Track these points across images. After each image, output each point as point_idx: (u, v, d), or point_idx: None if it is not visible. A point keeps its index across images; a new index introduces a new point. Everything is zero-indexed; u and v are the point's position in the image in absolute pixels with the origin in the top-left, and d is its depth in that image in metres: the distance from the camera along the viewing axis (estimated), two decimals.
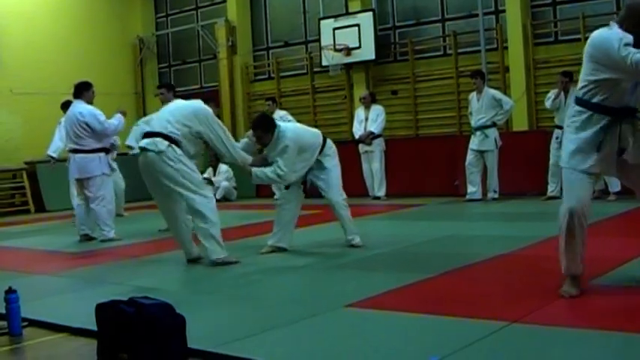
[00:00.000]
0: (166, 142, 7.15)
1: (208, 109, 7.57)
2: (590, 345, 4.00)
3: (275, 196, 7.86)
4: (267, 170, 7.56)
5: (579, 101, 5.04)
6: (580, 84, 5.03)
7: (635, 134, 4.98)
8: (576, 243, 4.96)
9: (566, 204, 4.97)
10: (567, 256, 5.00)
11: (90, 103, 10.14)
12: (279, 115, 15.00)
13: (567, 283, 5.01)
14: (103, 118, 10.05)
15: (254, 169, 7.59)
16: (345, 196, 8.31)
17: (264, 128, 7.67)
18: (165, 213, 7.71)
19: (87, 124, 9.94)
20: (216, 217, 7.26)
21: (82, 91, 10.16)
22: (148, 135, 7.39)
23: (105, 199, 10.01)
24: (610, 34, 4.86)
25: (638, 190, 5.27)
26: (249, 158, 7.74)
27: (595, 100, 4.92)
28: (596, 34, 4.99)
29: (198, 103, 7.62)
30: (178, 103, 7.74)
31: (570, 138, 5.10)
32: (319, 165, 8.04)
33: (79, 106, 10.01)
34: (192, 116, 7.35)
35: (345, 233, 8.15)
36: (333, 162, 8.14)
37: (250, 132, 8.05)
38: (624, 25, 4.84)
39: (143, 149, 7.26)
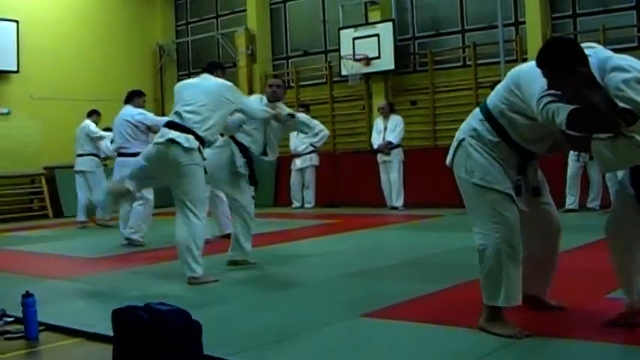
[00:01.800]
0: (197, 143, 6.84)
1: (228, 83, 7.54)
2: (603, 359, 3.98)
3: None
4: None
5: None
6: None
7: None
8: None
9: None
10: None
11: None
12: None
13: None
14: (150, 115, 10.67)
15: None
16: None
17: (285, 84, 8.28)
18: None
19: (137, 122, 10.33)
20: (202, 242, 6.94)
21: (134, 97, 10.71)
22: (177, 127, 6.92)
23: (148, 202, 10.22)
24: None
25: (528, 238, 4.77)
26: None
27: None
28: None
29: (219, 84, 7.43)
30: (205, 86, 7.40)
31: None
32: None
33: (128, 110, 10.47)
34: (225, 97, 7.25)
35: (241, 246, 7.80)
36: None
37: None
38: None
39: (172, 141, 6.81)
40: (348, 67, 15.99)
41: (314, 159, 15.27)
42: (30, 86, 16.83)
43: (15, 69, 16.62)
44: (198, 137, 6.86)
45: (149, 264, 8.20)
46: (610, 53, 4.14)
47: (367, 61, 15.71)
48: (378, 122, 14.31)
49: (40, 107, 16.85)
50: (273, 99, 7.99)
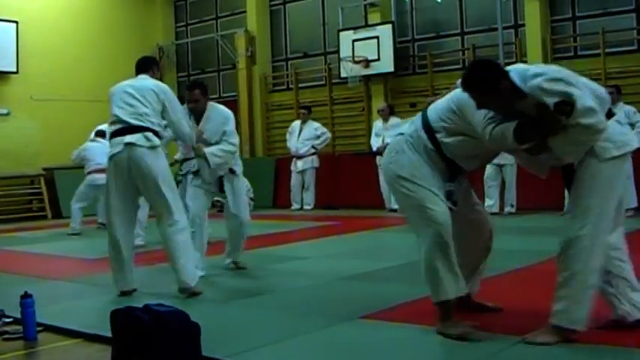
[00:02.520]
0: (157, 139, 6.35)
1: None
2: None
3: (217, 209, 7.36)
4: (219, 147, 7.11)
5: None
6: None
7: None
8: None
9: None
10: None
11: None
12: (313, 126, 15.07)
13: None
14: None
15: (207, 150, 7.05)
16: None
17: (204, 90, 7.34)
18: (120, 227, 6.47)
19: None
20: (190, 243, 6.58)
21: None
22: (129, 130, 6.31)
23: (142, 207, 10.16)
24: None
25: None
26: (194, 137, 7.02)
27: None
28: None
29: (153, 81, 6.74)
30: (138, 83, 6.65)
31: None
32: (229, 177, 7.46)
33: None
34: (158, 98, 6.51)
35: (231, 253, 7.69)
36: (242, 178, 7.69)
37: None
38: None
39: (130, 144, 6.23)
40: (347, 69, 16.00)
41: (315, 161, 15.27)
42: (29, 87, 16.84)
43: (14, 70, 16.63)
44: (156, 133, 6.41)
45: (147, 265, 8.19)
46: (529, 66, 4.46)
47: (367, 63, 15.71)
48: (377, 124, 14.31)
49: (39, 108, 16.86)
50: (193, 111, 7.32)
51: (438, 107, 4.74)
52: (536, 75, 4.21)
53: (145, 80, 6.69)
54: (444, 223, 4.56)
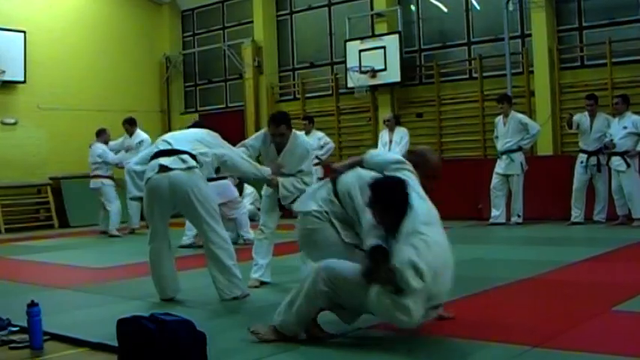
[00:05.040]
0: (194, 162, 6.42)
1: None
2: None
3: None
4: (293, 180, 7.19)
5: None
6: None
7: None
8: None
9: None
10: None
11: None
12: (317, 136, 15.00)
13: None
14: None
15: (281, 181, 7.13)
16: None
17: (289, 125, 7.19)
18: (160, 244, 6.66)
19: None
20: (234, 258, 6.64)
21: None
22: (167, 152, 6.45)
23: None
24: None
25: None
26: (269, 169, 7.13)
27: None
28: None
29: (204, 130, 7.00)
30: (190, 130, 7.13)
31: None
32: None
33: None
34: (209, 140, 6.73)
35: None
36: None
37: (249, 140, 7.45)
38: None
39: (165, 168, 6.33)
40: (354, 79, 16.00)
41: (318, 171, 15.21)
42: (37, 97, 16.89)
43: (22, 79, 16.68)
44: (193, 157, 6.48)
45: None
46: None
47: (373, 73, 15.72)
48: (384, 135, 14.30)
49: (46, 118, 16.91)
50: (277, 145, 7.40)
51: (346, 182, 5.18)
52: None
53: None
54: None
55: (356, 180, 5.07)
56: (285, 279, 7.56)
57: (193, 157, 6.42)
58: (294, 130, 7.29)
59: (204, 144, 6.60)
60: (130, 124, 14.00)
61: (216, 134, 6.92)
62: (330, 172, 5.22)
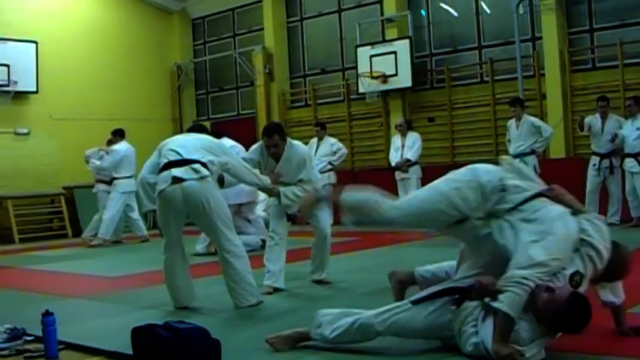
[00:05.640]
0: (206, 170, 6.38)
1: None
2: None
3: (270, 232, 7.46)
4: (294, 189, 7.29)
5: None
6: None
7: None
8: None
9: None
10: None
11: None
12: (329, 142, 15.01)
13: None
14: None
15: (282, 190, 7.22)
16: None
17: (282, 135, 7.24)
18: (175, 253, 6.66)
19: None
20: (248, 266, 6.62)
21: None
22: (178, 163, 6.39)
23: None
24: None
25: None
26: (269, 179, 7.18)
27: None
28: None
29: (207, 136, 6.99)
30: (192, 135, 6.98)
31: None
32: None
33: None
34: (214, 147, 6.69)
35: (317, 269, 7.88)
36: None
37: (247, 154, 7.59)
38: None
39: (178, 179, 6.28)
40: (365, 85, 16.01)
41: (331, 177, 15.22)
42: (49, 106, 16.96)
43: (34, 89, 16.75)
44: (204, 165, 6.45)
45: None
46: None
47: (384, 78, 15.71)
48: (396, 139, 14.28)
49: (59, 127, 16.97)
50: (273, 156, 7.48)
51: None
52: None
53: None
54: None
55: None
56: (296, 284, 7.57)
57: (204, 165, 6.40)
58: (289, 140, 7.32)
59: (210, 151, 6.58)
60: (120, 136, 14.13)
61: (218, 141, 6.96)
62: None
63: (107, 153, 13.93)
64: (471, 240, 4.78)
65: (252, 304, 6.49)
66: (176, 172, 6.29)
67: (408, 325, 4.53)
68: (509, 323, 4.10)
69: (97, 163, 14.02)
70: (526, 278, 4.13)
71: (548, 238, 4.29)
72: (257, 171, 7.13)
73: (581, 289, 4.25)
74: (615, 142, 11.62)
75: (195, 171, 6.31)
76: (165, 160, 6.45)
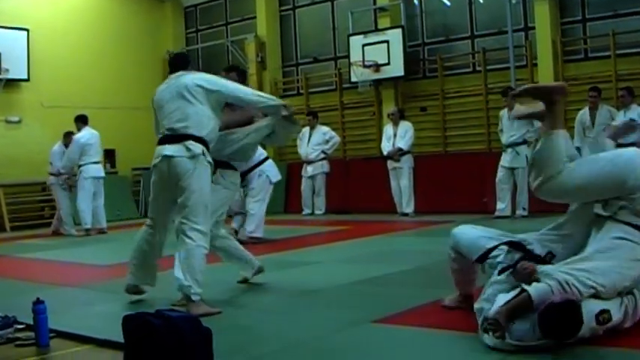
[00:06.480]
0: (200, 146, 6.00)
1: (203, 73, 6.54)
2: None
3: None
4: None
5: None
6: None
7: None
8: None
9: None
10: None
11: None
12: (322, 131, 15.02)
13: None
14: None
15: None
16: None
17: (241, 75, 7.08)
18: (157, 234, 6.43)
19: None
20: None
21: None
22: (172, 139, 6.05)
23: None
24: None
25: None
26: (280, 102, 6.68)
27: None
28: None
29: (190, 75, 6.39)
30: (175, 84, 6.28)
31: None
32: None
33: None
34: (199, 91, 6.12)
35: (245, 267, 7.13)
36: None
37: None
38: None
39: (168, 157, 5.99)
40: (357, 74, 15.99)
41: (325, 166, 15.25)
42: (40, 94, 16.92)
43: (26, 77, 16.71)
44: (199, 139, 6.05)
45: (159, 271, 8.20)
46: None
47: (377, 67, 15.70)
48: (388, 129, 14.29)
49: (50, 115, 16.91)
50: None
51: None
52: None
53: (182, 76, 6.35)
54: None
55: None
56: (285, 276, 7.58)
57: (199, 139, 6.01)
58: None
59: (196, 98, 6.09)
60: (82, 122, 14.18)
61: (199, 78, 6.32)
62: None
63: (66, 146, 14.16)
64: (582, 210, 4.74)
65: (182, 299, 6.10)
66: (168, 150, 6.00)
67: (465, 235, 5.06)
68: (525, 304, 4.10)
69: (59, 165, 14.19)
70: (568, 283, 4.12)
71: (620, 264, 4.29)
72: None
73: (602, 329, 4.20)
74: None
75: (187, 149, 5.94)
76: (160, 135, 6.17)
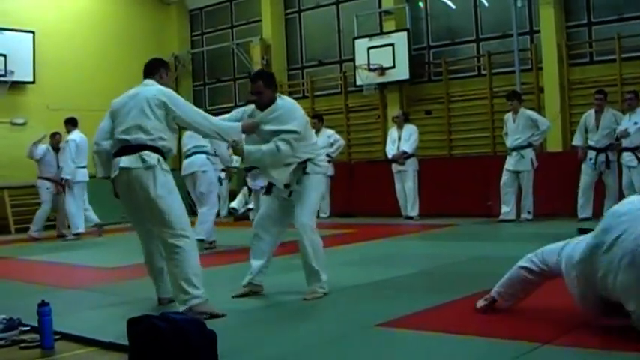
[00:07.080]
0: (156, 156, 5.85)
1: (166, 87, 6.30)
2: None
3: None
4: (263, 146, 6.32)
5: None
6: None
7: None
8: None
9: None
10: None
11: None
12: (326, 134, 14.99)
13: None
14: None
15: (246, 147, 6.29)
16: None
17: (266, 81, 6.51)
18: (146, 239, 6.38)
19: None
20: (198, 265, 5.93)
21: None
22: (126, 150, 5.90)
23: None
24: None
25: None
26: (238, 125, 6.34)
27: None
28: None
29: (154, 87, 6.27)
30: (138, 95, 6.21)
31: None
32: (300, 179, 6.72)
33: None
34: (163, 102, 6.00)
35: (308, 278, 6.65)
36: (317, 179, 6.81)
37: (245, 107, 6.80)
38: None
39: (126, 170, 5.84)
40: (362, 77, 16.00)
41: (330, 169, 15.22)
42: (46, 97, 16.95)
43: (31, 80, 16.76)
44: (154, 149, 5.89)
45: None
46: None
47: (382, 70, 15.71)
48: (393, 132, 14.29)
49: (56, 118, 16.85)
50: (257, 105, 6.65)
51: None
52: None
53: (146, 87, 6.32)
54: None
55: None
56: (290, 279, 7.57)
57: (155, 149, 5.87)
58: (281, 96, 6.76)
59: (154, 116, 5.95)
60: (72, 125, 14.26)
61: (162, 93, 6.14)
62: None
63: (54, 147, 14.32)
64: None
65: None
66: (124, 162, 5.86)
67: None
68: None
69: (53, 170, 14.40)
70: None
71: None
72: (217, 119, 6.45)
73: None
74: (623, 137, 11.57)
75: (143, 160, 5.80)
76: (119, 145, 5.99)
